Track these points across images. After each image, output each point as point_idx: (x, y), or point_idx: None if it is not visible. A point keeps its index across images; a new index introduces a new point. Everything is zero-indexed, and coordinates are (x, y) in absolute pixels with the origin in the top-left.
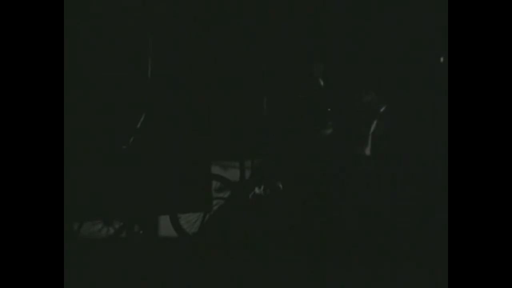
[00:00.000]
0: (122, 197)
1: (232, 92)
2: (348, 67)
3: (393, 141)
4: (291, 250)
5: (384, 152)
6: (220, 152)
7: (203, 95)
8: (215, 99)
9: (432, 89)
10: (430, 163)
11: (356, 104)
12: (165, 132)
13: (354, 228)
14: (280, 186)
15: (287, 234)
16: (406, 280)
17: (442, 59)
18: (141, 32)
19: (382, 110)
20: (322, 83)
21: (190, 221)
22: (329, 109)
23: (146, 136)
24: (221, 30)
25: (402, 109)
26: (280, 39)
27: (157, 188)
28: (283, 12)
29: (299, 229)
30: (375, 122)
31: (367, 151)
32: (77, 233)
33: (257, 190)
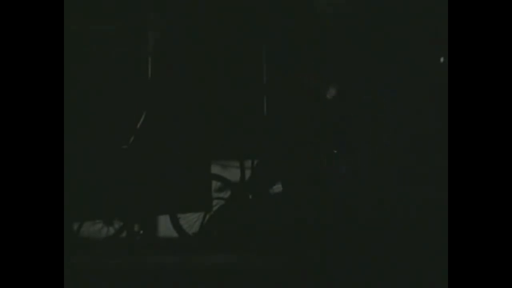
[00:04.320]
0: (122, 197)
1: (232, 92)
2: (348, 67)
3: (393, 140)
4: (292, 249)
5: (384, 152)
6: (220, 152)
7: (203, 94)
8: (215, 98)
9: (432, 89)
10: (430, 163)
11: (356, 103)
12: (165, 132)
13: (356, 227)
14: (280, 186)
15: (288, 233)
16: (406, 280)
17: (442, 59)
18: (141, 32)
19: (382, 109)
20: (322, 82)
21: (190, 221)
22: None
23: (146, 136)
24: (221, 30)
25: (402, 109)
26: (280, 39)
27: (157, 188)
28: (283, 12)
29: (300, 229)
30: (375, 121)
31: (367, 150)
32: (77, 233)
33: (257, 190)
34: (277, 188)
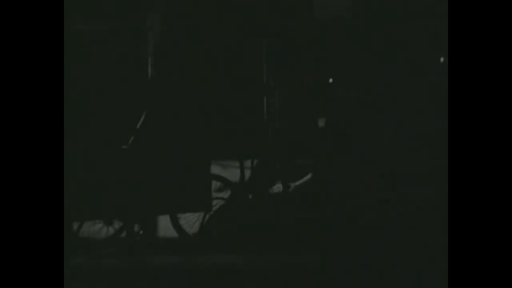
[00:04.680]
0: (122, 197)
1: (232, 92)
2: (348, 67)
3: (393, 140)
4: (291, 249)
5: (384, 152)
6: (220, 152)
7: (203, 94)
8: (215, 98)
9: (432, 89)
10: (430, 163)
11: (356, 103)
12: (165, 132)
13: (356, 227)
14: (280, 185)
15: (288, 233)
16: (406, 280)
17: (442, 59)
18: (141, 32)
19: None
20: (322, 82)
21: (190, 221)
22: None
23: (146, 136)
24: (221, 30)
25: (402, 109)
26: (280, 39)
27: (157, 188)
28: (283, 12)
29: (300, 229)
30: (375, 121)
31: (367, 150)
32: (77, 233)
33: (257, 190)
34: (277, 188)
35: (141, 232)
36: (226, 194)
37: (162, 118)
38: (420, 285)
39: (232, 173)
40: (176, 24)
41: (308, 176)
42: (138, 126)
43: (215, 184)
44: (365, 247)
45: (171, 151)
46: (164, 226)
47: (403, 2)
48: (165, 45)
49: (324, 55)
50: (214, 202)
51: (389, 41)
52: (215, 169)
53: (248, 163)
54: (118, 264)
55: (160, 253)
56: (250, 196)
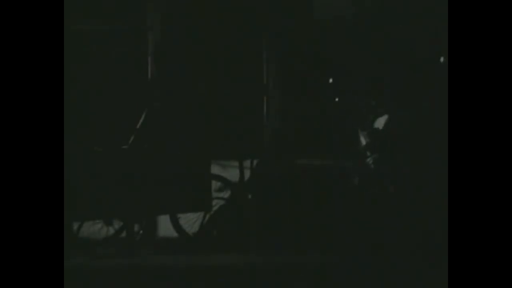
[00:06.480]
0: (122, 197)
1: (232, 92)
2: (348, 67)
3: (392, 140)
4: (292, 249)
5: (384, 152)
6: (220, 152)
7: (203, 94)
8: (215, 98)
9: (432, 89)
10: (431, 163)
11: (356, 103)
12: (165, 132)
13: (354, 226)
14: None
15: (287, 232)
16: (406, 280)
17: (442, 59)
18: (141, 32)
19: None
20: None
21: (190, 221)
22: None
23: (146, 136)
24: (221, 30)
25: (402, 109)
26: (280, 39)
27: (157, 188)
28: (283, 12)
29: (300, 229)
30: (376, 121)
31: (366, 149)
32: (77, 233)
33: (257, 190)
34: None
35: (141, 232)
36: (226, 194)
37: (162, 118)
38: (420, 285)
39: (232, 173)
40: (176, 24)
41: None
42: (138, 126)
43: (215, 184)
44: (365, 247)
45: (171, 151)
46: (164, 226)
47: (403, 2)
48: (165, 45)
49: (324, 55)
50: (214, 202)
51: (389, 40)
52: (215, 169)
53: (248, 163)
54: (118, 264)
55: (160, 253)
56: (250, 196)
